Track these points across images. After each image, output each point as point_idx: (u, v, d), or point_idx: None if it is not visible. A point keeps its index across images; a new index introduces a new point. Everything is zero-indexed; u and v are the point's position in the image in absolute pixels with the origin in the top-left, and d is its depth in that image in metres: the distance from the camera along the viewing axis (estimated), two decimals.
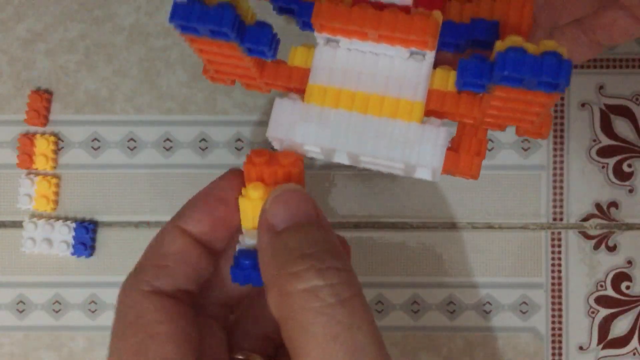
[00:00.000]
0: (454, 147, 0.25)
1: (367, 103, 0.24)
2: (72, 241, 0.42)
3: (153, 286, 0.22)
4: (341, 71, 0.24)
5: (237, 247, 0.25)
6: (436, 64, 0.25)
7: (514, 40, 0.21)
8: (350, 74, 0.24)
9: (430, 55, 0.24)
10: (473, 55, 0.22)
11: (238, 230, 0.25)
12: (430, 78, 0.24)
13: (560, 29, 0.30)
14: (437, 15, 0.23)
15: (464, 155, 0.25)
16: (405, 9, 0.23)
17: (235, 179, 0.25)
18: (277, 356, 0.26)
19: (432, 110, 0.24)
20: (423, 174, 0.24)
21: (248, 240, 0.24)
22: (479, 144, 0.25)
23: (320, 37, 0.24)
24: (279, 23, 0.42)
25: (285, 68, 0.25)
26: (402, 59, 0.24)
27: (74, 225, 0.42)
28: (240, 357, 0.24)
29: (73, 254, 0.42)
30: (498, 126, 0.24)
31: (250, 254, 0.24)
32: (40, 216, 0.42)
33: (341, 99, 0.24)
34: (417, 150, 0.23)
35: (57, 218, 0.42)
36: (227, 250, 0.25)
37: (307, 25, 0.24)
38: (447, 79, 0.24)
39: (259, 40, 0.22)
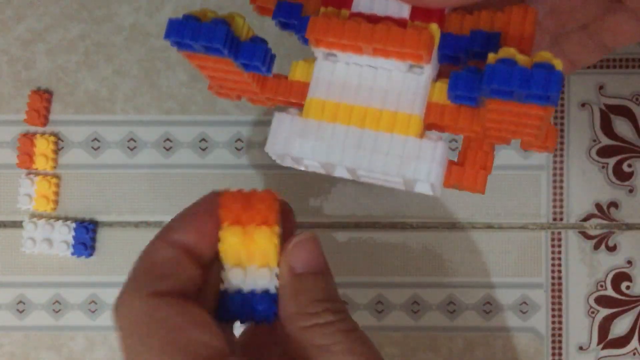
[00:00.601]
0: (459, 161, 0.25)
1: (364, 117, 0.23)
2: (72, 241, 0.42)
3: (154, 288, 0.23)
4: (339, 85, 0.24)
5: (224, 287, 0.24)
6: (441, 76, 0.24)
7: (507, 52, 0.20)
8: (348, 88, 0.24)
9: (429, 68, 0.23)
10: (466, 67, 0.22)
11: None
12: (430, 91, 0.24)
13: (567, 34, 0.30)
14: (433, 29, 0.23)
15: (469, 169, 0.24)
16: (402, 22, 0.23)
17: (214, 197, 0.25)
18: None
19: (433, 124, 0.24)
20: (423, 188, 0.24)
21: (233, 279, 0.24)
22: (484, 157, 0.25)
23: (318, 51, 0.24)
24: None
25: (286, 83, 0.25)
26: (400, 72, 0.24)
27: (74, 225, 0.42)
28: None
29: (73, 254, 0.42)
30: (502, 140, 0.24)
31: (245, 296, 0.24)
32: (40, 216, 0.42)
33: (339, 113, 0.23)
34: (413, 165, 0.23)
35: (57, 218, 0.42)
36: (215, 262, 0.25)
37: (306, 41, 0.24)
38: (443, 93, 0.23)
39: (252, 56, 0.23)
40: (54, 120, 0.43)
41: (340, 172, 0.25)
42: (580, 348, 0.43)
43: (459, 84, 0.21)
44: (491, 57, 0.20)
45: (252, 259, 0.24)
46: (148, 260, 0.24)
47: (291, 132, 0.24)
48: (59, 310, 0.43)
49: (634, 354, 0.43)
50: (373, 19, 0.23)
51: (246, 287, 0.24)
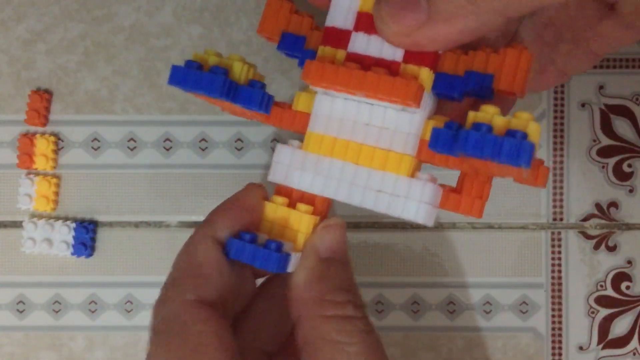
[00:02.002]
0: (457, 189, 0.25)
1: (359, 153, 0.25)
2: (72, 241, 0.42)
3: (197, 295, 0.23)
4: (337, 120, 0.25)
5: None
6: (440, 109, 0.25)
7: (486, 112, 0.21)
8: (345, 124, 0.25)
9: (422, 109, 0.24)
10: (446, 123, 0.22)
11: None
12: (424, 129, 0.24)
13: (555, 44, 0.30)
14: (424, 76, 0.23)
15: (465, 197, 0.25)
16: (395, 65, 0.24)
17: (257, 189, 0.26)
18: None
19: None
20: (416, 219, 0.25)
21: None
22: (481, 187, 0.25)
23: (317, 88, 0.25)
24: None
25: (290, 113, 0.26)
26: (395, 110, 0.24)
27: (73, 225, 0.42)
28: None
29: (73, 254, 0.42)
30: (494, 176, 0.24)
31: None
32: (40, 216, 0.42)
33: (336, 148, 0.25)
34: (402, 204, 0.24)
35: (57, 218, 0.42)
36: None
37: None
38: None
39: (250, 102, 0.24)
40: (54, 120, 0.43)
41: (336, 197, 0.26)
42: (580, 348, 0.43)
43: (438, 142, 0.22)
44: (470, 116, 0.22)
45: (282, 235, 0.25)
46: (192, 262, 0.23)
47: (291, 165, 0.25)
48: (59, 310, 0.43)
49: (634, 354, 0.43)
50: (367, 62, 0.24)
51: (260, 240, 0.25)
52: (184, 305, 0.22)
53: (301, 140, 0.26)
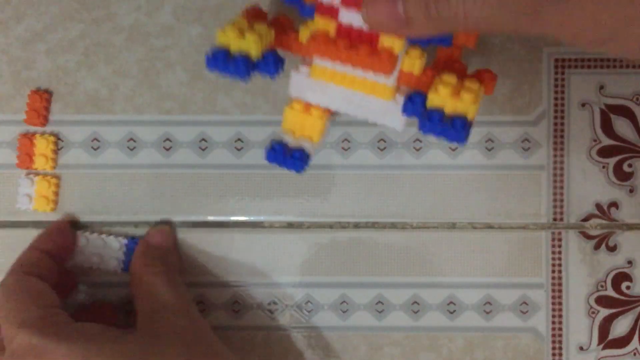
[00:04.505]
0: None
1: (354, 82, 0.32)
2: (123, 257, 0.41)
3: (23, 271, 0.38)
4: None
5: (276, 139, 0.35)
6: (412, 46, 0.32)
7: (441, 90, 0.30)
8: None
9: (398, 59, 0.31)
10: (411, 97, 0.32)
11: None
12: (402, 61, 0.32)
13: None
14: (397, 45, 0.30)
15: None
16: (375, 37, 0.30)
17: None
18: None
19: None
20: (394, 127, 0.34)
21: (285, 137, 0.35)
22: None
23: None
24: None
25: (298, 45, 0.33)
26: None
27: (125, 241, 0.41)
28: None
29: (124, 270, 0.41)
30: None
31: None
32: (92, 230, 0.42)
33: (335, 77, 0.33)
34: (385, 118, 0.33)
35: (109, 233, 0.42)
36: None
37: (306, 15, 0.32)
38: (414, 64, 0.32)
39: (268, 71, 0.32)
40: (54, 120, 0.43)
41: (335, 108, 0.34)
42: (581, 348, 0.43)
43: (407, 111, 0.32)
44: (431, 99, 0.30)
45: (302, 132, 0.35)
46: (23, 258, 0.39)
47: (303, 87, 0.34)
48: None
49: (635, 354, 0.43)
50: (353, 34, 0.31)
51: (291, 145, 0.35)
52: (18, 275, 0.37)
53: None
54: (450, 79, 0.30)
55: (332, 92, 0.33)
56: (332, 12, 0.30)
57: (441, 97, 0.30)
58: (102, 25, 0.42)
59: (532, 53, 0.42)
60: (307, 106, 0.34)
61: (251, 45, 0.30)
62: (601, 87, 0.42)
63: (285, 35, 0.33)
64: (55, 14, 0.43)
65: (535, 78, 0.42)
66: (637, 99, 0.42)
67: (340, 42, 0.30)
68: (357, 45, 0.30)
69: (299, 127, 0.35)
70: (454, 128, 0.29)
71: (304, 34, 0.32)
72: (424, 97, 0.31)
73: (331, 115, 0.35)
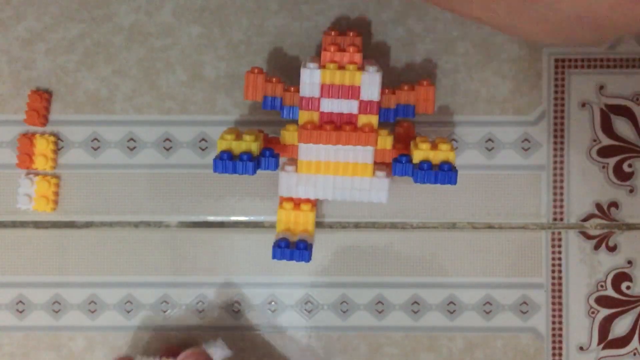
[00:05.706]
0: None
1: (337, 168, 0.37)
2: None
3: None
4: (317, 149, 0.37)
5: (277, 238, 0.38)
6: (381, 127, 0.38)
7: (421, 148, 0.35)
8: (324, 151, 0.37)
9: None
10: (398, 158, 0.36)
11: None
12: (377, 142, 0.37)
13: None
14: (374, 121, 0.36)
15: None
16: (354, 117, 0.37)
17: None
18: None
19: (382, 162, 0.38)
20: (380, 201, 0.38)
21: (283, 236, 0.38)
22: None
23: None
24: (279, 23, 0.42)
25: (282, 147, 0.38)
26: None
27: None
28: None
29: None
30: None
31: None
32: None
33: (320, 168, 0.37)
34: (369, 195, 0.37)
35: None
36: None
37: (288, 116, 0.37)
38: (385, 141, 0.37)
39: (268, 167, 0.37)
40: (54, 120, 0.43)
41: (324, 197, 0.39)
42: (581, 348, 0.43)
43: (396, 171, 0.36)
44: (416, 155, 0.36)
45: (296, 228, 0.39)
46: None
47: (292, 183, 0.38)
48: (59, 310, 0.43)
49: (634, 354, 0.43)
50: (334, 118, 0.37)
51: (292, 239, 0.38)
52: None
53: (292, 164, 0.38)
54: (423, 139, 0.36)
55: (319, 182, 0.37)
56: (314, 104, 0.36)
57: (424, 152, 0.35)
58: (102, 25, 0.42)
59: (532, 53, 0.42)
60: (297, 203, 0.39)
61: (251, 144, 0.36)
62: (601, 87, 0.42)
63: (270, 143, 0.38)
64: (55, 14, 0.43)
65: (535, 78, 0.42)
66: (637, 99, 0.42)
67: (326, 126, 0.36)
68: (341, 126, 0.37)
69: (293, 224, 0.39)
70: (444, 171, 0.35)
71: (286, 136, 0.37)
72: (408, 157, 0.36)
73: (314, 206, 0.39)
